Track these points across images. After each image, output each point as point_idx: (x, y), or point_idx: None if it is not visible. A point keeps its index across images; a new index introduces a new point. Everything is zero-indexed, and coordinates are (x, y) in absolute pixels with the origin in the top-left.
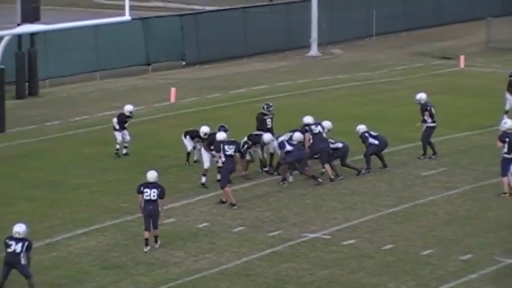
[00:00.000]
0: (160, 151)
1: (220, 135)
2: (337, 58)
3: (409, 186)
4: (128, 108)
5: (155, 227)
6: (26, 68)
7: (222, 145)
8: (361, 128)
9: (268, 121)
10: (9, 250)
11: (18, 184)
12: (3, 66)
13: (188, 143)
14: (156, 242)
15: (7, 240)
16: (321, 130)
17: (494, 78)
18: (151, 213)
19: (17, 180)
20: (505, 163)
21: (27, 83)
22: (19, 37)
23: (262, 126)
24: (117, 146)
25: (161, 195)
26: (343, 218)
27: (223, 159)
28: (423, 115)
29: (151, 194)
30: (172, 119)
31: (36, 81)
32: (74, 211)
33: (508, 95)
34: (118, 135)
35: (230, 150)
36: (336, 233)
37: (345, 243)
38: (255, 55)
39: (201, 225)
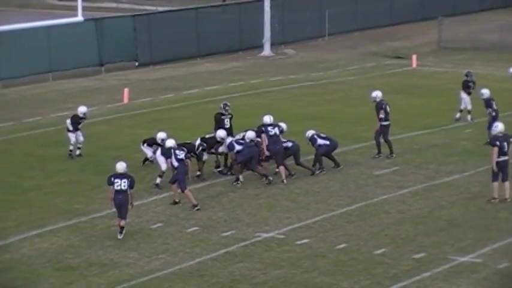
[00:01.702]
0: (113, 152)
1: (170, 142)
2: (289, 58)
3: (362, 186)
4: (82, 109)
5: (123, 217)
6: None
7: (172, 150)
8: (310, 132)
9: (226, 121)
10: None
11: None
12: None
13: (147, 150)
14: (121, 232)
15: None
16: (277, 132)
17: (446, 77)
18: (121, 202)
19: None
20: (499, 167)
21: None
22: None
23: (220, 127)
24: (71, 147)
25: (131, 185)
26: (297, 217)
27: (176, 164)
28: (378, 113)
29: (121, 183)
30: (125, 119)
31: None
32: (27, 213)
33: (463, 95)
34: (72, 137)
35: (181, 155)
36: (290, 233)
37: (298, 242)
38: (208, 55)
39: (154, 226)
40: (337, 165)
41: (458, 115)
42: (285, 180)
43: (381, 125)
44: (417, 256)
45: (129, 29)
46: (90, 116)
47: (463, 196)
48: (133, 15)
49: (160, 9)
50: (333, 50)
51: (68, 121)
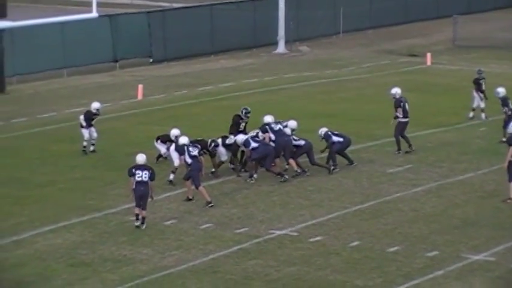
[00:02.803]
0: (127, 148)
1: (183, 139)
2: (304, 55)
3: (376, 184)
4: (95, 105)
5: (143, 208)
6: None
7: (186, 147)
8: (323, 129)
9: (242, 125)
10: None
11: None
12: None
13: (160, 147)
14: (143, 223)
15: None
16: (281, 127)
17: (460, 76)
18: (142, 194)
19: None
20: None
21: None
22: None
23: (235, 129)
24: (84, 143)
25: (152, 177)
26: (310, 215)
27: (189, 161)
28: (396, 110)
29: (143, 175)
30: (139, 116)
31: (3, 78)
32: (41, 208)
33: (475, 93)
34: (85, 133)
35: (194, 151)
36: (303, 230)
37: (311, 240)
38: (222, 52)
39: (168, 222)
40: (350, 162)
41: (471, 114)
42: (298, 170)
43: (399, 122)
44: (430, 254)
45: (143, 25)
46: (104, 112)
47: (477, 194)
48: (148, 12)
49: (175, 5)
50: (347, 48)
51: (82, 117)
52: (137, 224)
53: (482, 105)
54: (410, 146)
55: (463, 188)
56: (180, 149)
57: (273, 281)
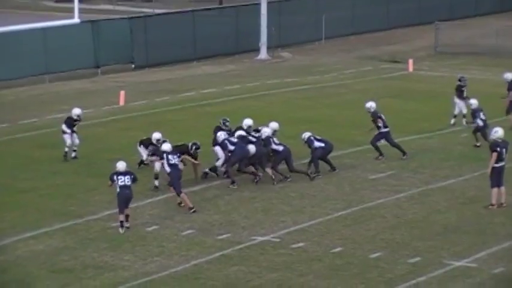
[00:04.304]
0: (109, 154)
1: (166, 146)
2: (286, 61)
3: (358, 190)
4: (76, 111)
5: (127, 207)
6: None
7: (165, 154)
8: (306, 134)
9: None
10: None
11: None
12: None
13: (142, 151)
14: (127, 221)
15: None
16: (255, 136)
17: (442, 82)
18: (128, 197)
19: None
20: (495, 173)
21: None
22: None
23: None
24: (66, 149)
25: (134, 181)
26: (292, 221)
27: (168, 169)
28: (377, 122)
29: (125, 180)
30: (121, 122)
31: None
32: (22, 214)
33: (456, 99)
34: (67, 139)
35: (174, 159)
36: (285, 236)
37: (293, 246)
38: (205, 58)
39: (149, 229)
40: (333, 169)
41: (453, 121)
42: (275, 182)
43: (380, 132)
44: (412, 260)
45: (125, 31)
46: (85, 118)
47: (459, 201)
48: (130, 18)
49: (157, 11)
50: (330, 54)
51: (64, 125)
52: (122, 231)
53: (464, 111)
54: (404, 153)
55: (445, 194)
56: (161, 155)
57: (255, 287)
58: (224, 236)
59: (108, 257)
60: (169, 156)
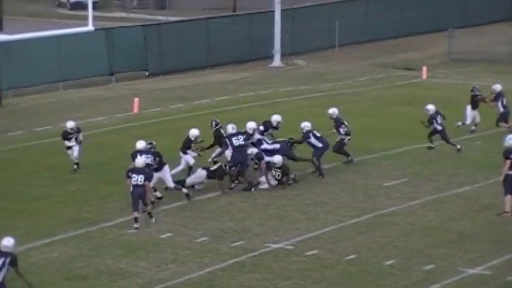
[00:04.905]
0: (123, 162)
1: (139, 161)
2: (299, 69)
3: (372, 197)
4: (69, 125)
5: (145, 205)
6: None
7: (129, 172)
8: (306, 125)
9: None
10: None
11: None
12: None
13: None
14: (151, 218)
15: None
16: (241, 142)
17: (456, 89)
18: (141, 195)
19: None
20: (508, 180)
21: None
22: None
23: (220, 142)
24: (75, 161)
25: (147, 179)
26: (306, 228)
27: (130, 188)
28: (339, 128)
29: (138, 179)
30: (135, 129)
31: None
32: (37, 222)
33: (469, 110)
34: (75, 151)
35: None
36: (299, 244)
37: (307, 253)
38: (218, 66)
39: (163, 236)
40: (320, 172)
41: (473, 127)
42: (253, 189)
43: (341, 139)
44: (426, 268)
45: (139, 38)
46: (99, 125)
47: (473, 208)
48: (144, 25)
49: (171, 19)
50: (343, 61)
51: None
52: (136, 226)
53: (478, 120)
54: (349, 157)
55: (459, 201)
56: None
57: None
58: (238, 243)
59: (123, 264)
60: (133, 175)
